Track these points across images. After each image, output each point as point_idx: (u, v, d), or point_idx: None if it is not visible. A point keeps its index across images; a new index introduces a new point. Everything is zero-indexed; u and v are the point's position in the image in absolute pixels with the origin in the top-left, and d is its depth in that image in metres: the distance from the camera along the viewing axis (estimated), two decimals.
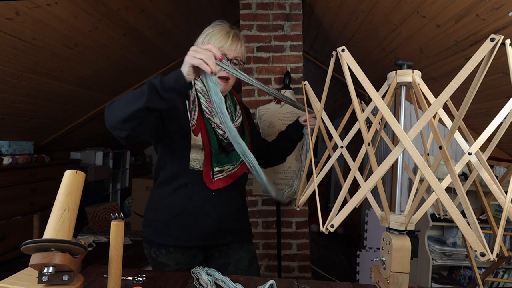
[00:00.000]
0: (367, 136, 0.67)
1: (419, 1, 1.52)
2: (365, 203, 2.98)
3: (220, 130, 1.03)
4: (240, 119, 1.12)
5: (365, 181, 0.66)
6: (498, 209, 2.16)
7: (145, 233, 1.10)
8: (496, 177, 1.64)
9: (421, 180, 1.66)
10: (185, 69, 0.76)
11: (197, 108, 1.04)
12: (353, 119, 0.79)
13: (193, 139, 1.02)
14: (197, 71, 0.78)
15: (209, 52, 0.76)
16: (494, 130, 0.68)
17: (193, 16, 2.71)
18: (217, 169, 1.03)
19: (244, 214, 1.18)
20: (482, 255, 0.55)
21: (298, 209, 0.91)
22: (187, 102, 1.05)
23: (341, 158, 0.94)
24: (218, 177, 1.04)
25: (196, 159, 1.02)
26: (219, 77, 1.03)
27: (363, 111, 0.86)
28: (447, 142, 0.62)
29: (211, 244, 1.08)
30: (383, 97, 0.70)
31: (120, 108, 0.78)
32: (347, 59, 0.68)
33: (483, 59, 0.57)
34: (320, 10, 2.38)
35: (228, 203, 1.08)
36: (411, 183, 2.51)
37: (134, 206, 4.00)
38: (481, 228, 1.22)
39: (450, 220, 2.12)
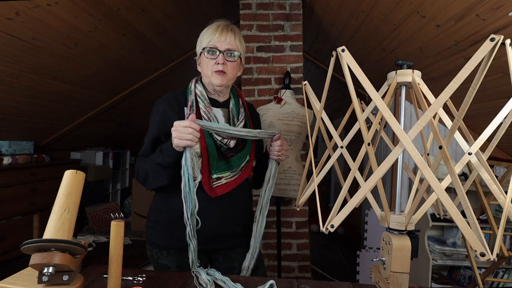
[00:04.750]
0: (367, 136, 0.67)
1: (419, 1, 1.52)
2: (365, 203, 2.98)
3: (219, 136, 1.01)
4: (241, 124, 1.07)
5: (365, 181, 0.66)
6: (498, 209, 2.16)
7: (148, 234, 1.10)
8: (496, 177, 1.64)
9: (421, 180, 1.66)
10: (177, 148, 0.91)
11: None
12: (353, 119, 0.79)
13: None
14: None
15: (189, 130, 0.89)
16: (494, 130, 0.68)
17: (193, 16, 2.71)
18: (214, 176, 1.00)
19: (248, 218, 1.14)
20: (482, 255, 0.55)
21: (298, 209, 0.91)
22: (185, 108, 1.03)
23: (341, 158, 0.94)
24: (217, 184, 1.01)
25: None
26: (215, 71, 1.01)
27: (363, 111, 0.86)
28: (447, 142, 0.62)
29: (212, 247, 1.07)
30: (383, 97, 0.70)
31: (151, 182, 1.01)
32: (347, 59, 0.68)
33: (483, 59, 0.57)
34: (320, 10, 2.38)
35: (229, 208, 1.06)
36: (411, 183, 2.51)
37: (134, 206, 4.00)
38: (481, 228, 1.22)
39: (450, 220, 2.12)
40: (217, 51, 1.01)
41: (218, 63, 1.01)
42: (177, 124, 0.89)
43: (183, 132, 0.88)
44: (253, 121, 1.18)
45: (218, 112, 1.08)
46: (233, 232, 1.08)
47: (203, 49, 1.03)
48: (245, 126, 1.11)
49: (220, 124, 0.97)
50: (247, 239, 1.12)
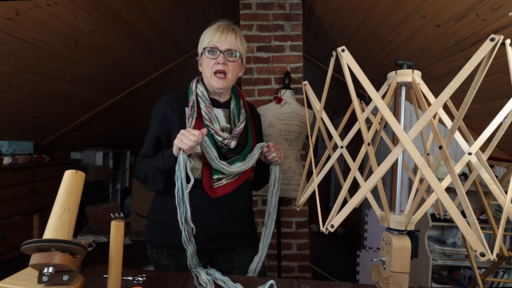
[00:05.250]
0: (367, 136, 0.67)
1: (419, 1, 1.52)
2: (365, 203, 2.98)
3: (219, 136, 1.00)
4: (242, 124, 1.07)
5: (365, 181, 0.66)
6: (498, 209, 2.16)
7: (148, 234, 1.09)
8: (496, 177, 1.64)
9: (421, 180, 1.66)
10: (175, 151, 0.92)
11: (195, 115, 1.01)
12: (353, 119, 0.79)
13: None
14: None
15: (195, 138, 0.89)
16: (494, 130, 0.68)
17: (193, 16, 2.71)
18: (215, 177, 1.01)
19: (248, 219, 1.15)
20: (482, 255, 0.55)
21: (298, 209, 0.91)
22: (186, 108, 1.03)
23: (341, 158, 0.94)
24: (218, 185, 1.01)
25: (195, 167, 1.00)
26: (216, 72, 1.01)
27: (363, 111, 0.86)
28: (447, 142, 0.62)
29: (212, 247, 1.07)
30: (383, 97, 0.70)
31: (150, 185, 1.03)
32: (347, 59, 0.68)
33: (483, 59, 0.57)
34: (320, 10, 2.38)
35: (229, 209, 1.06)
36: (411, 183, 2.51)
37: (134, 206, 4.00)
38: (481, 228, 1.22)
39: (450, 220, 2.12)
40: (217, 51, 1.01)
41: (219, 63, 1.01)
42: (189, 129, 0.91)
43: (188, 136, 0.88)
44: (254, 121, 1.18)
45: (219, 113, 1.08)
46: (233, 232, 1.08)
47: (204, 49, 1.03)
48: (246, 127, 1.11)
49: (217, 162, 0.97)
50: (247, 239, 1.12)
